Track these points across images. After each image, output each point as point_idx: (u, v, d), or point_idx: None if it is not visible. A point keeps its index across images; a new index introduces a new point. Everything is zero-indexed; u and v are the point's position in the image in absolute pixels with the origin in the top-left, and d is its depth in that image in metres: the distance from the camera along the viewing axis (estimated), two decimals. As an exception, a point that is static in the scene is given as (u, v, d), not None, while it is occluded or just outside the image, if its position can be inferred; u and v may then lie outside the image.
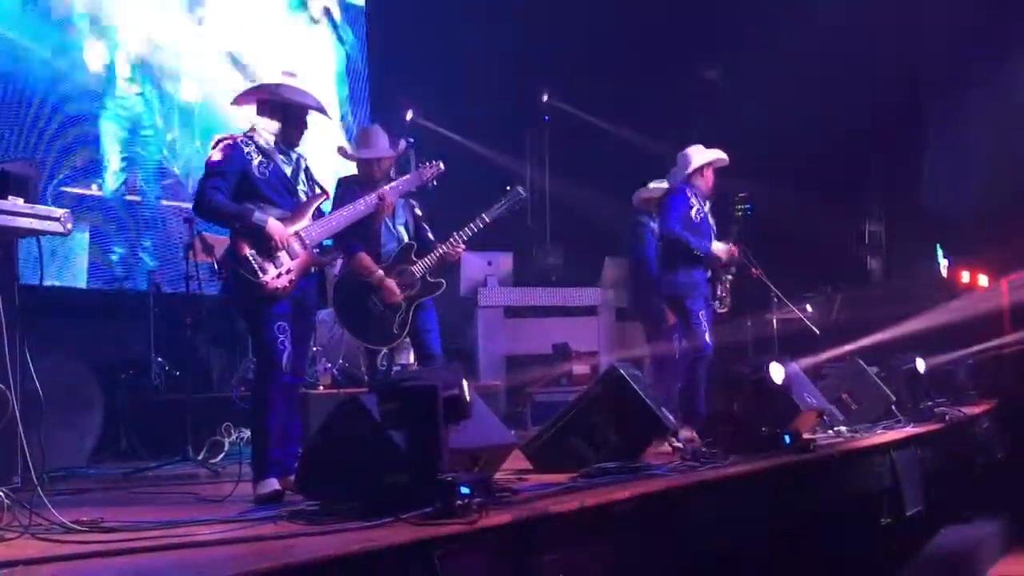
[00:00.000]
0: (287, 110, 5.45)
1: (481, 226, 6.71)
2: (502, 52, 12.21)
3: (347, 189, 6.34)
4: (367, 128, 6.97)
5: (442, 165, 6.46)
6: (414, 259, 6.53)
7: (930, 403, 8.71)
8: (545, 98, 12.82)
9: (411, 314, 6.47)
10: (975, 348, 10.89)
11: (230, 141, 5.32)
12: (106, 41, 9.58)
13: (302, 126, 5.51)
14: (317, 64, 11.92)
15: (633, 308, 9.72)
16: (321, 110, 5.63)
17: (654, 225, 8.64)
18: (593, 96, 12.77)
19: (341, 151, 6.89)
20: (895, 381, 8.67)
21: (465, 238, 6.68)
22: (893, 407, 8.22)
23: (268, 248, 5.15)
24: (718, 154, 8.11)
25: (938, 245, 12.94)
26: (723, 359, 7.95)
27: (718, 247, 7.95)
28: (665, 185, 8.59)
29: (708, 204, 8.10)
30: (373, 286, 6.42)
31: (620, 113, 12.71)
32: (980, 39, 11.68)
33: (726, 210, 8.44)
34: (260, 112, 5.48)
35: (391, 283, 6.43)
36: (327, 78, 11.99)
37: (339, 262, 9.10)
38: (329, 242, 5.68)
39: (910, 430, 7.71)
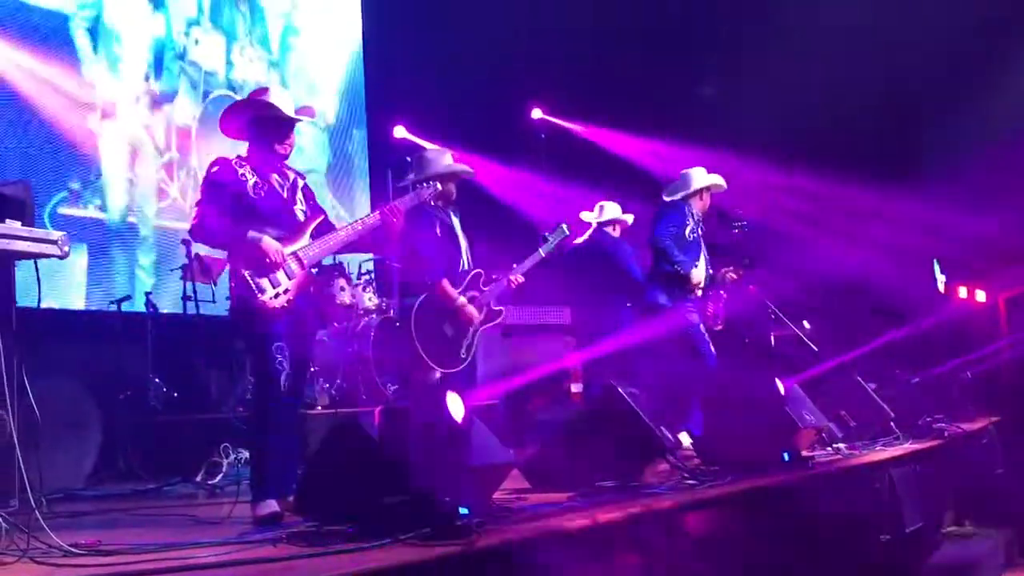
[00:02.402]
0: (265, 125, 5.40)
1: (537, 260, 7.16)
2: (496, 68, 12.24)
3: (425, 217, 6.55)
4: (420, 152, 7.08)
5: (439, 186, 6.49)
6: (483, 287, 6.73)
7: (928, 419, 8.71)
8: (538, 114, 12.87)
9: (476, 339, 6.77)
10: (972, 363, 10.90)
11: (224, 164, 5.31)
12: (107, 62, 9.61)
13: (285, 138, 5.43)
14: (319, 80, 12.01)
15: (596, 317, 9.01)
16: (300, 116, 5.51)
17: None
18: (588, 112, 12.79)
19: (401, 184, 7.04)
20: (899, 396, 8.70)
21: (524, 270, 7.11)
22: (892, 423, 8.22)
23: (265, 266, 5.15)
24: (718, 179, 8.32)
25: (936, 261, 12.94)
26: (720, 375, 7.99)
27: (696, 274, 8.05)
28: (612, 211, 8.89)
29: (702, 228, 8.23)
30: (451, 311, 6.64)
31: (615, 128, 12.73)
32: (980, 51, 11.72)
33: (721, 226, 8.53)
34: (248, 131, 5.47)
35: (471, 310, 6.73)
36: (329, 95, 12.10)
37: (337, 282, 9.17)
38: (330, 260, 5.67)
39: (909, 447, 7.71)
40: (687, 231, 8.14)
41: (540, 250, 7.22)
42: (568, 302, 9.89)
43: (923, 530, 7.19)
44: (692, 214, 8.22)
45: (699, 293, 8.18)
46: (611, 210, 9.06)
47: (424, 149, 7.15)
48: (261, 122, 5.40)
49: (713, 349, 8.08)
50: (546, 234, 7.38)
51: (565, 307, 10.43)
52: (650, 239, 8.23)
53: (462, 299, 6.69)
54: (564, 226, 7.45)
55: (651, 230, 8.28)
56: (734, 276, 8.35)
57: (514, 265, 7.11)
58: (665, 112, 12.03)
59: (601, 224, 9.02)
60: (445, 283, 6.64)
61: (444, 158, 6.88)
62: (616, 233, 9.04)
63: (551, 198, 12.01)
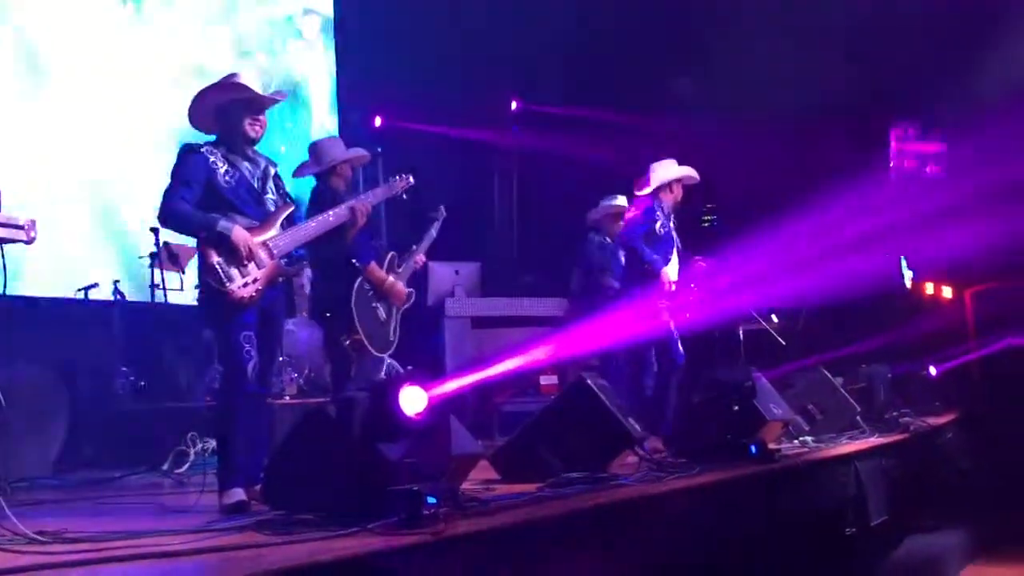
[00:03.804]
0: (236, 106, 5.35)
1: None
2: (472, 61, 12.23)
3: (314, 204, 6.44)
4: (316, 142, 7.01)
5: (412, 179, 6.49)
6: (397, 270, 6.74)
7: (895, 413, 8.78)
8: (514, 106, 12.87)
9: (399, 321, 6.82)
10: (939, 359, 10.99)
11: (194, 150, 5.27)
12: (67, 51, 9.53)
13: (256, 117, 5.37)
14: (304, 77, 11.99)
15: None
16: (271, 100, 5.44)
17: (599, 239, 9.04)
18: (564, 104, 12.79)
19: (298, 173, 6.90)
20: (876, 390, 8.79)
21: (423, 251, 7.30)
22: (858, 417, 8.27)
23: (235, 256, 5.12)
24: (689, 171, 8.23)
25: (903, 258, 13.00)
26: (689, 369, 8.02)
27: (668, 272, 8.00)
28: (618, 202, 8.81)
29: (673, 220, 8.19)
30: (382, 293, 6.70)
31: (590, 123, 12.74)
32: (949, 52, 11.76)
33: (691, 222, 8.56)
34: (219, 119, 5.42)
35: (401, 286, 6.84)
36: (318, 93, 12.10)
37: (306, 272, 9.14)
38: (300, 252, 5.65)
39: (875, 440, 7.77)
40: (657, 226, 8.05)
41: (432, 229, 7.36)
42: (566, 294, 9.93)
43: (888, 523, 7.25)
44: (662, 208, 8.15)
45: (672, 288, 8.15)
46: (621, 202, 9.09)
47: (318, 140, 7.11)
48: (232, 104, 5.35)
49: (681, 347, 8.04)
50: (432, 214, 7.47)
51: (560, 298, 10.45)
52: (622, 244, 8.27)
53: (390, 279, 6.75)
54: (442, 207, 7.56)
55: (622, 234, 8.34)
56: (703, 264, 8.34)
57: (414, 246, 7.25)
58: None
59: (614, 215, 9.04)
60: (374, 265, 6.68)
61: (340, 145, 6.86)
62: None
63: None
